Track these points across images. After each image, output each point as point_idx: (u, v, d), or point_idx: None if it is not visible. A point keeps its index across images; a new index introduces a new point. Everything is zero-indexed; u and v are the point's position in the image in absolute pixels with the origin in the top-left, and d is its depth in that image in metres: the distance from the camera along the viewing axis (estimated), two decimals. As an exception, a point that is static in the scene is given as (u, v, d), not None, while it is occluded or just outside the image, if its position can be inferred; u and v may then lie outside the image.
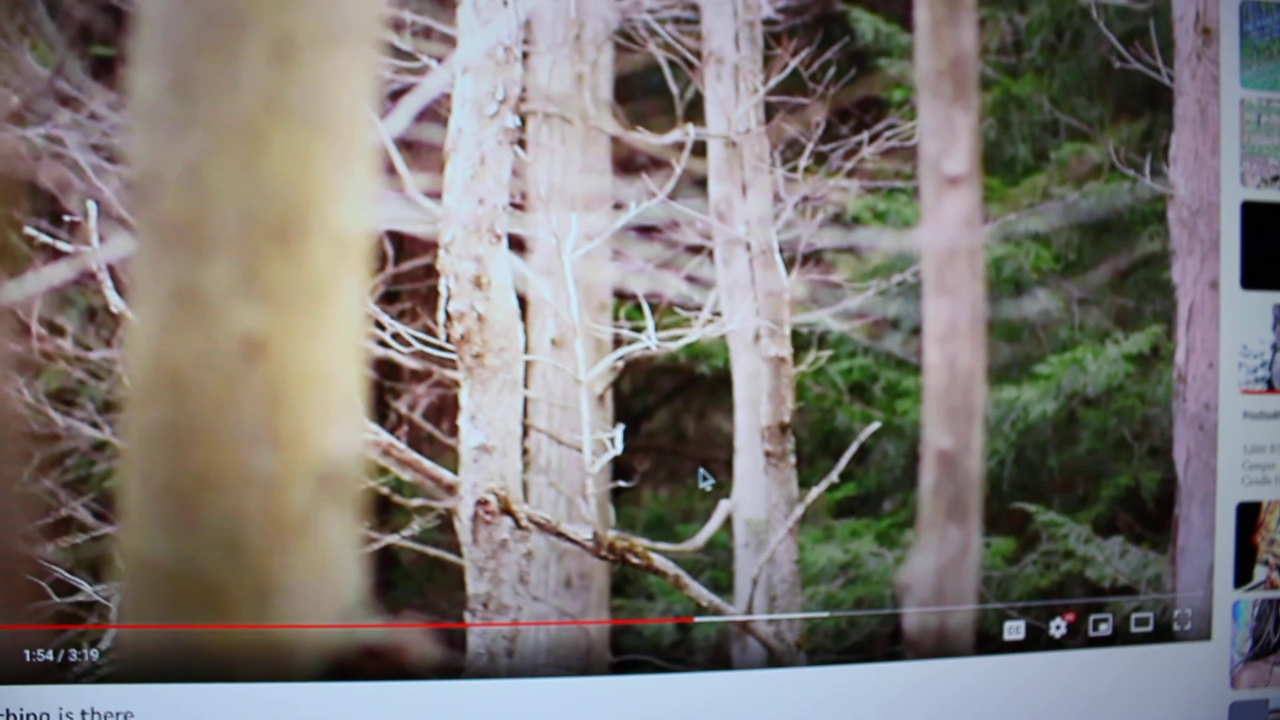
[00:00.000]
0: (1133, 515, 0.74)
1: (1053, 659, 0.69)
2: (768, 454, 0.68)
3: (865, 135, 0.70)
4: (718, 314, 0.67)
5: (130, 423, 0.61)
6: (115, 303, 0.62)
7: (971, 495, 0.71)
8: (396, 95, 0.64)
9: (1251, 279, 0.73)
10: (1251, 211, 0.74)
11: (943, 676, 0.66)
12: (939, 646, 0.67)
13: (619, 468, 0.66)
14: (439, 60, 0.65)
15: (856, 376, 0.68)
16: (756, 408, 0.68)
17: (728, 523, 0.67)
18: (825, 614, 0.67)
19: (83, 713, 0.57)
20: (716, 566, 0.67)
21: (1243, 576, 0.73)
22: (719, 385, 0.67)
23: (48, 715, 0.57)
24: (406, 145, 0.64)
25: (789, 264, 0.68)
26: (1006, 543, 0.71)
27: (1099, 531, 0.73)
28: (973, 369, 0.71)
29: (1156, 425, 0.75)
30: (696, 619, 0.65)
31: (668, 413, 0.66)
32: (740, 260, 0.68)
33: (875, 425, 0.69)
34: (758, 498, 0.67)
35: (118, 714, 0.57)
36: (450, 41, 0.65)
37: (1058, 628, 0.70)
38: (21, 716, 0.57)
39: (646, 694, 0.60)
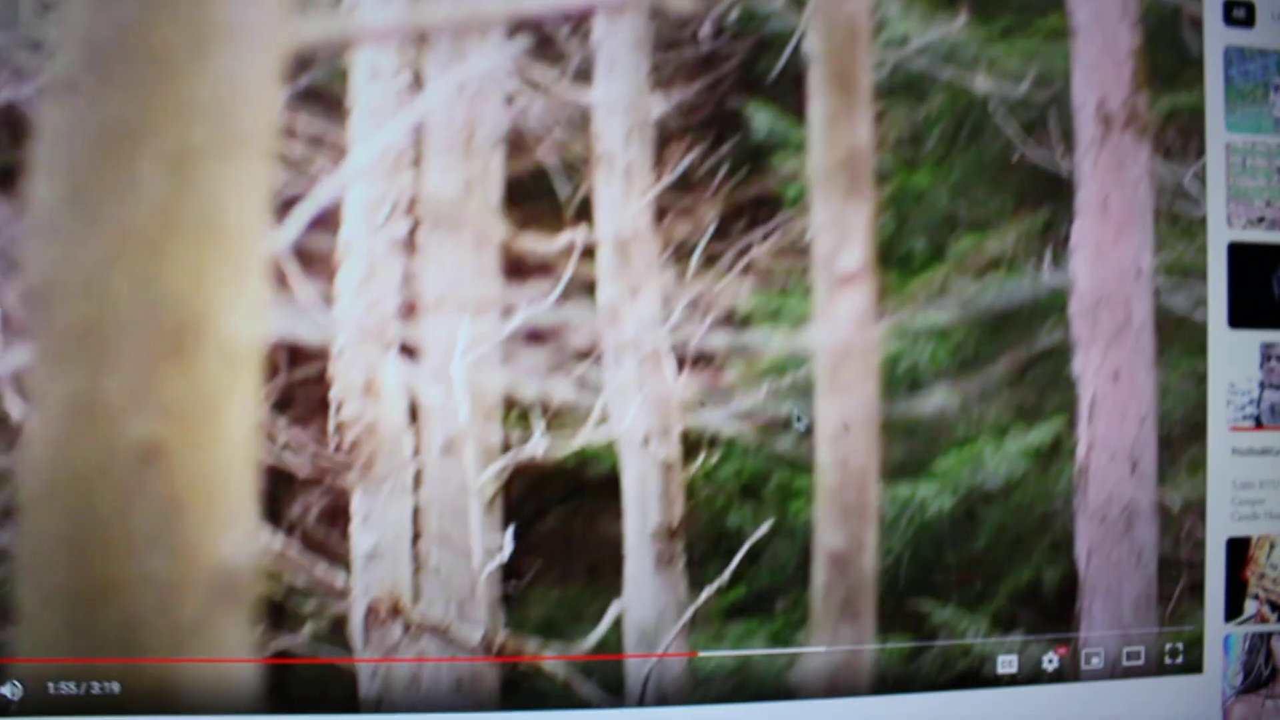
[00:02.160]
0: (1034, 610, 0.91)
1: (1046, 691, 0.85)
2: (657, 556, 0.84)
3: (757, 233, 0.86)
4: (606, 418, 0.84)
5: (28, 530, 0.77)
6: (14, 410, 0.77)
7: (865, 594, 0.88)
8: (289, 204, 0.80)
9: (1238, 318, 0.90)
10: (1237, 252, 0.91)
11: (943, 708, 0.83)
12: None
13: (509, 570, 0.82)
14: (331, 168, 0.80)
15: (747, 477, 0.84)
16: (646, 510, 0.84)
17: (618, 624, 0.83)
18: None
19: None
20: (607, 668, 0.83)
21: (1233, 610, 0.89)
22: (608, 488, 0.83)
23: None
24: (299, 254, 0.80)
25: (679, 365, 0.84)
26: (902, 640, 0.88)
27: (998, 627, 0.90)
28: (866, 467, 0.88)
29: (1057, 520, 0.92)
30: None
31: (557, 516, 0.81)
32: (629, 363, 0.84)
33: (767, 526, 0.86)
34: (647, 600, 0.84)
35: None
36: (342, 150, 0.81)
37: (1050, 661, 0.87)
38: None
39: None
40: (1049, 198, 0.88)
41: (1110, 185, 0.89)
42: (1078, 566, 0.87)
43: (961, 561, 0.85)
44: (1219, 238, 0.89)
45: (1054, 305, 0.88)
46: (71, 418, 0.74)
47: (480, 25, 0.80)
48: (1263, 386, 0.88)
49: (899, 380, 0.84)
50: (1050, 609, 0.87)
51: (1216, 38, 0.88)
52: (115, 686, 0.74)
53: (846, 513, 0.82)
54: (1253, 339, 0.89)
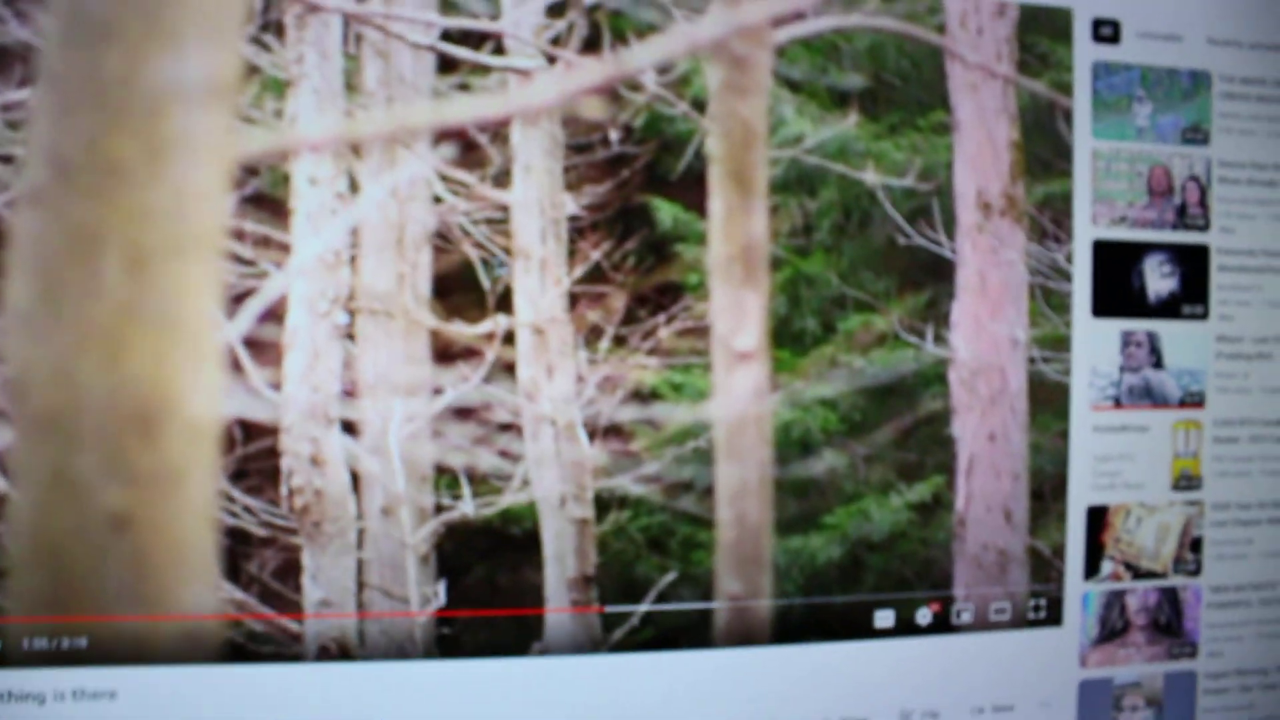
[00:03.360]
0: (891, 613, 0.99)
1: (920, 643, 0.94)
2: (574, 602, 0.94)
3: (662, 317, 0.96)
4: (527, 482, 0.93)
5: (13, 590, 0.86)
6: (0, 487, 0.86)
7: (761, 634, 0.97)
8: (240, 298, 0.89)
9: (1101, 308, 0.98)
10: (1101, 248, 1.00)
11: (822, 659, 0.92)
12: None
13: (443, 617, 0.92)
14: (277, 265, 0.90)
15: (654, 533, 0.94)
16: (563, 562, 0.94)
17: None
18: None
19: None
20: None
21: (1091, 570, 0.98)
22: (529, 544, 0.92)
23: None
24: (250, 343, 0.89)
25: (591, 436, 0.94)
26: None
27: (859, 628, 0.98)
28: (761, 522, 0.97)
29: (938, 565, 1.01)
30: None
31: (485, 568, 0.91)
32: (546, 435, 0.93)
33: (672, 575, 0.95)
34: (565, 640, 0.93)
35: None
36: (286, 248, 0.91)
37: (924, 616, 0.96)
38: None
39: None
40: (932, 278, 0.96)
41: (988, 266, 0.98)
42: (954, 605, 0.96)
43: (848, 603, 0.94)
44: (1084, 235, 0.97)
45: (936, 375, 0.97)
46: (48, 491, 0.82)
47: (408, 135, 0.89)
48: (1122, 370, 0.97)
49: (791, 445, 0.93)
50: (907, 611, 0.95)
51: (1085, 53, 0.97)
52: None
53: (743, 563, 0.91)
54: (1113, 327, 0.98)
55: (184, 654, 0.83)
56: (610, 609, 0.89)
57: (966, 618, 0.95)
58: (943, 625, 0.94)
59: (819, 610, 0.93)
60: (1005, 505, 0.97)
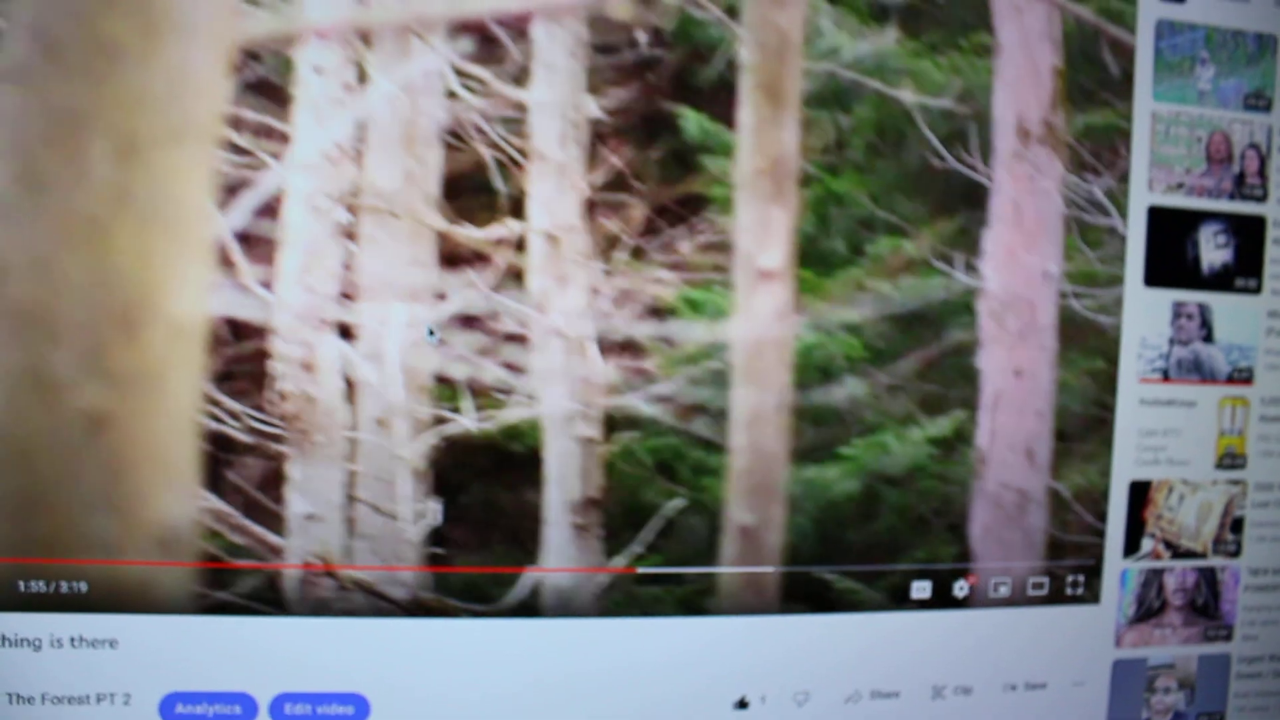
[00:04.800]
0: (929, 584, 0.95)
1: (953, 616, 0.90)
2: (576, 526, 0.88)
3: (683, 230, 0.89)
4: (532, 397, 0.87)
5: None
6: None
7: (771, 566, 0.91)
8: (234, 190, 0.83)
9: (1153, 277, 0.94)
10: (1156, 215, 0.95)
11: (857, 628, 0.87)
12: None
13: (436, 536, 0.86)
14: (275, 157, 0.83)
15: (664, 456, 0.88)
16: (567, 483, 0.88)
17: (536, 589, 0.87)
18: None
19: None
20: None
21: (1131, 547, 0.94)
22: (532, 463, 0.86)
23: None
24: (243, 238, 0.83)
25: (603, 352, 0.88)
26: (804, 609, 0.92)
27: (894, 600, 0.94)
28: (776, 451, 0.91)
29: (956, 503, 0.95)
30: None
31: (482, 487, 0.85)
32: (555, 348, 0.87)
33: (681, 501, 0.89)
34: (564, 570, 0.87)
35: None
36: (286, 139, 0.84)
37: (961, 589, 0.91)
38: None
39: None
40: (965, 204, 0.90)
41: (1024, 195, 0.92)
42: (971, 545, 0.90)
43: (863, 539, 0.89)
44: (1140, 201, 0.92)
45: (964, 305, 0.91)
46: (23, 390, 0.77)
47: (423, 25, 0.82)
48: (1172, 342, 0.92)
49: (812, 371, 0.87)
50: (942, 585, 0.90)
51: (1150, 10, 0.91)
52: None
53: (756, 492, 0.86)
54: (1165, 298, 0.93)
55: (182, 602, 0.78)
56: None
57: (1003, 591, 0.89)
58: (975, 599, 0.88)
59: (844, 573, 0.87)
60: (1028, 444, 0.91)
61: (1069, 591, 0.91)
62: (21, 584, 0.75)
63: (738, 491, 0.85)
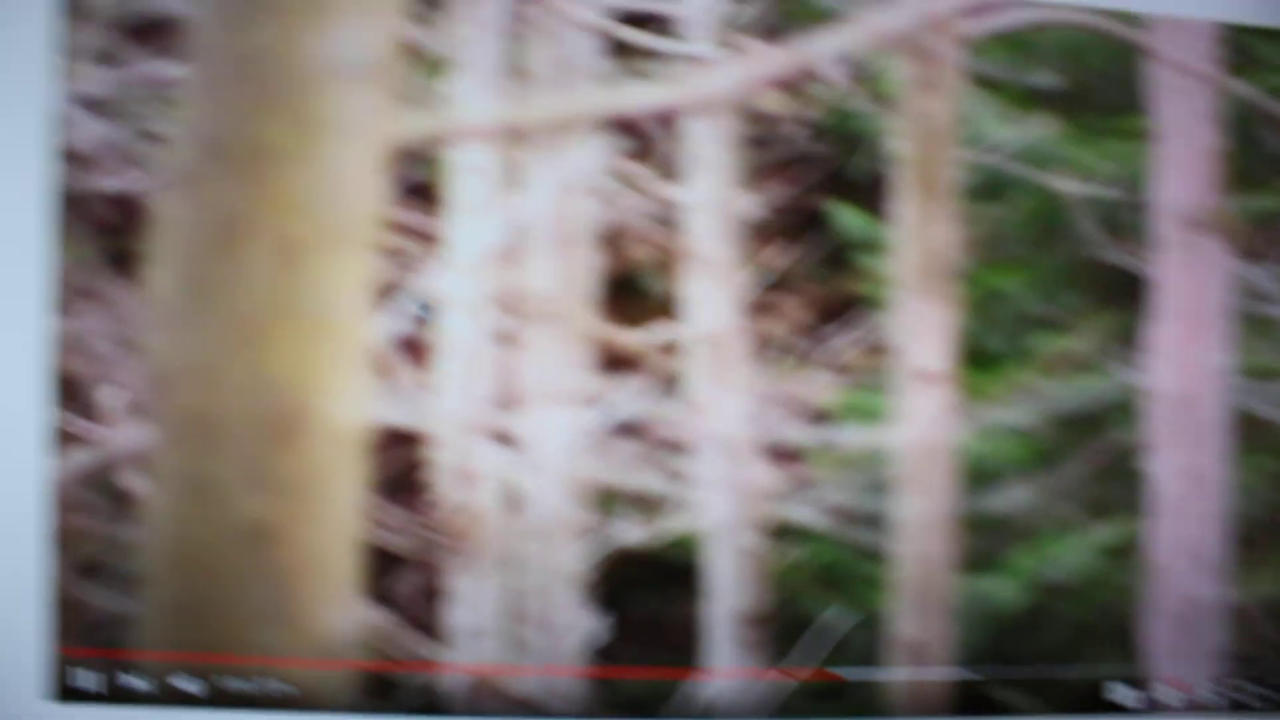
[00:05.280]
0: (1100, 695, 0.90)
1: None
2: (738, 638, 0.84)
3: (841, 331, 0.87)
4: (693, 506, 0.84)
5: (147, 598, 0.79)
6: (136, 488, 0.79)
7: (940, 682, 0.87)
8: (391, 294, 0.81)
9: None
10: None
11: None
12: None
13: (597, 648, 0.83)
14: (432, 260, 0.82)
15: (826, 565, 0.85)
16: (727, 595, 0.85)
17: (700, 704, 0.84)
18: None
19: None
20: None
21: None
22: (692, 573, 0.84)
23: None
24: (401, 343, 0.81)
25: (764, 459, 0.85)
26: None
27: (1063, 712, 0.90)
28: (941, 560, 0.88)
29: (1127, 612, 0.91)
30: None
31: (642, 597, 0.82)
32: (716, 455, 0.85)
33: (844, 612, 0.86)
34: (731, 683, 0.84)
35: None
36: (442, 244, 0.82)
37: (1134, 699, 0.87)
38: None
39: None
40: (1128, 298, 0.88)
41: (1189, 285, 0.89)
42: (1144, 657, 0.86)
43: (1031, 649, 0.85)
44: None
45: (1131, 404, 0.87)
46: (187, 496, 0.76)
47: (575, 124, 0.81)
48: None
49: (976, 476, 0.84)
50: (1114, 694, 0.86)
51: None
52: None
53: (922, 604, 0.82)
54: None
55: (342, 711, 0.76)
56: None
57: (1180, 703, 0.85)
58: (1150, 710, 0.85)
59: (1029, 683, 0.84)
60: (1203, 551, 0.87)
61: (1251, 704, 0.86)
62: (184, 683, 0.73)
63: (902, 602, 0.81)
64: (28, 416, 0.79)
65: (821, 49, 0.85)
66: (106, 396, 0.77)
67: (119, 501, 0.78)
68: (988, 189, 0.88)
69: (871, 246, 0.85)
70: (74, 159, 0.79)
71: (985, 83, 0.88)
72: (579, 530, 0.81)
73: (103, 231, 0.79)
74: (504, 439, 0.79)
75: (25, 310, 0.78)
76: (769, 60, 0.85)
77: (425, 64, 0.82)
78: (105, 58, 0.79)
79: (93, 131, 0.78)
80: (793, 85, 0.85)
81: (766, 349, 0.83)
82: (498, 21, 0.83)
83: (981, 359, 0.88)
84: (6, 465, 0.78)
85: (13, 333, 0.78)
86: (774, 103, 0.85)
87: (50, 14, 0.77)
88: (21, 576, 0.78)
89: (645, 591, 0.82)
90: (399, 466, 0.79)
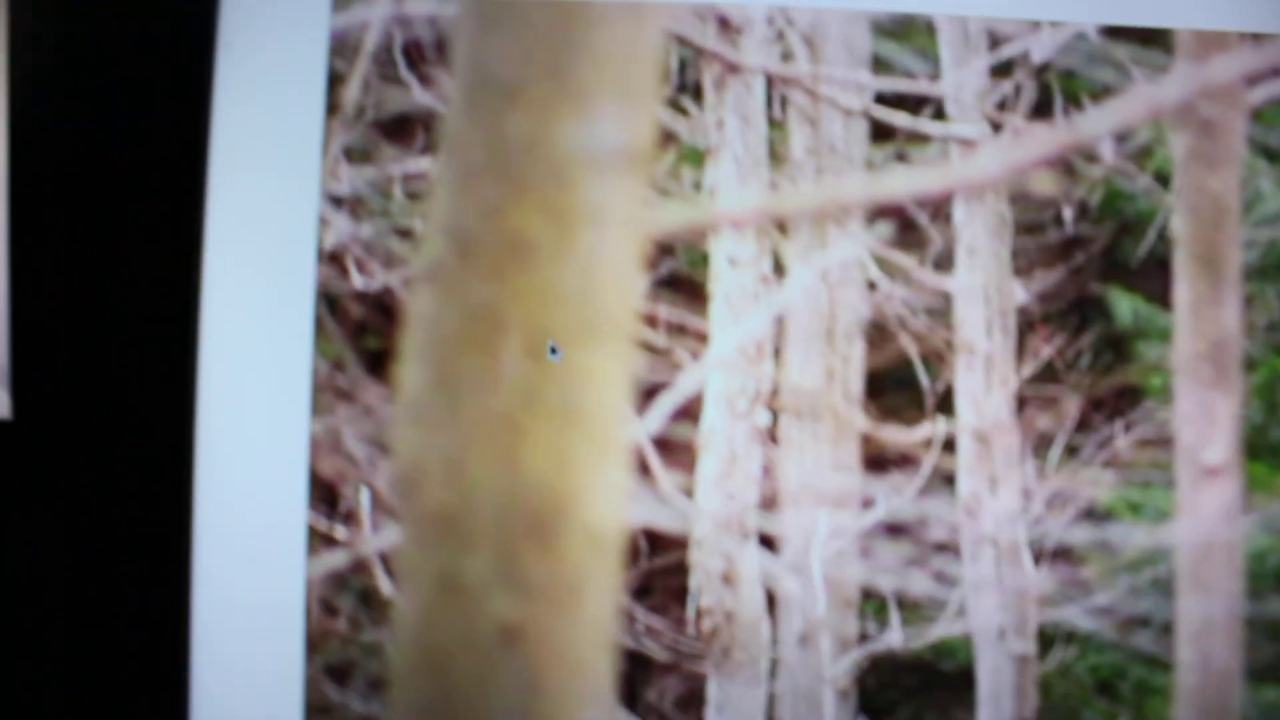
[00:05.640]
0: None
1: None
2: (1011, 752, 0.81)
3: (1120, 424, 0.82)
4: (963, 611, 0.81)
5: (396, 701, 0.79)
6: (385, 588, 0.79)
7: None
8: (651, 392, 0.80)
9: None
10: None
11: None
12: None
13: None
14: (693, 356, 0.80)
15: (1104, 674, 0.81)
16: (1000, 704, 0.81)
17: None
18: None
19: None
20: None
21: None
22: (962, 682, 0.80)
23: None
24: (660, 443, 0.80)
25: (1037, 559, 0.81)
26: None
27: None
28: (1229, 668, 0.83)
29: None
30: None
31: (911, 708, 0.79)
32: (987, 557, 0.81)
33: (1121, 725, 0.82)
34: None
35: None
36: (703, 337, 0.81)
37: None
38: None
39: None
40: None
41: None
42: None
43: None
44: None
45: None
46: (436, 596, 0.76)
47: (839, 211, 0.78)
48: None
49: (1265, 577, 0.79)
50: None
51: None
52: None
53: (1207, 715, 0.77)
54: None
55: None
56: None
57: None
58: None
59: None
60: None
61: None
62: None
63: (1187, 713, 0.77)
64: (286, 519, 0.79)
65: (1094, 125, 0.81)
66: (358, 497, 0.78)
67: (369, 603, 0.78)
68: (1275, 268, 0.83)
69: (1150, 333, 0.81)
70: (328, 258, 0.79)
71: (1271, 154, 0.83)
72: (843, 636, 0.78)
73: (357, 331, 0.79)
74: (766, 541, 0.77)
75: (286, 412, 0.79)
76: (1039, 139, 0.81)
77: (684, 153, 0.80)
78: (356, 155, 0.79)
79: (345, 229, 0.78)
80: (1064, 165, 0.81)
81: (1040, 444, 0.79)
82: (757, 108, 0.81)
83: (1270, 451, 0.83)
84: (265, 567, 0.79)
85: (273, 435, 0.79)
86: (1045, 184, 0.81)
87: (317, 116, 0.78)
88: (277, 679, 0.78)
89: (912, 698, 0.79)
90: (658, 571, 0.78)
